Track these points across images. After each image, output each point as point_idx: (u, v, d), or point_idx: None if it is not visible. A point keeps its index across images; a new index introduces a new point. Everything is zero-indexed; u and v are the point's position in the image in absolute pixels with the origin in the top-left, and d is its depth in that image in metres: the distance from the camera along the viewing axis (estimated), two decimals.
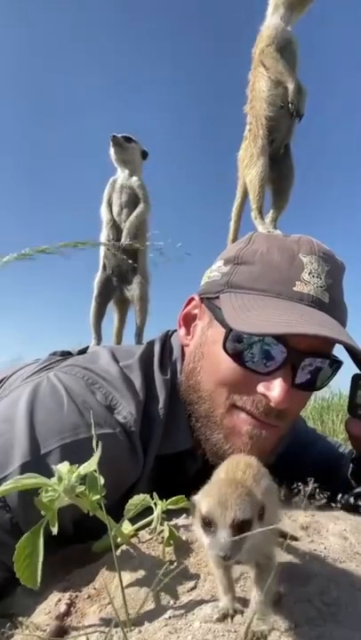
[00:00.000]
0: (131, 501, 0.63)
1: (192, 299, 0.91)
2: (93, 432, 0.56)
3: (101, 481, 0.54)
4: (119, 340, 3.20)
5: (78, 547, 0.69)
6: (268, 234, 1.01)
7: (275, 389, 0.73)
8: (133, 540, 0.63)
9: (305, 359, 0.76)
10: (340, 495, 0.80)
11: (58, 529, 0.50)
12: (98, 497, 0.53)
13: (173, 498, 0.64)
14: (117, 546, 0.61)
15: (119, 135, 3.11)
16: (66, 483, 0.52)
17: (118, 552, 0.61)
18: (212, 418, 0.79)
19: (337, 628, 0.47)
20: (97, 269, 3.10)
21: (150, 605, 0.53)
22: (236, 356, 0.76)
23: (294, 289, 0.75)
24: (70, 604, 0.56)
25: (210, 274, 0.88)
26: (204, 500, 0.44)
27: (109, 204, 3.11)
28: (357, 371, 0.84)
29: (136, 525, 0.64)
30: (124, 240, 2.97)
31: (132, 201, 3.08)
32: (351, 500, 0.80)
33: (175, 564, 0.59)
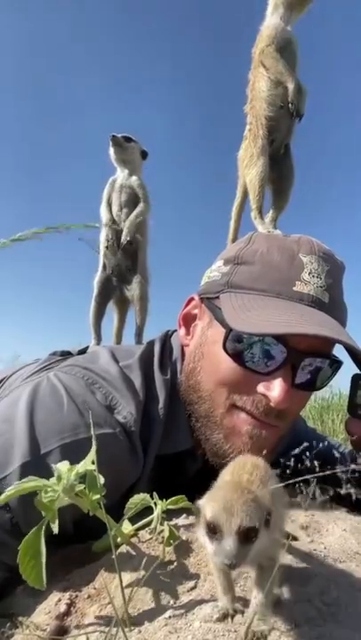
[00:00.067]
0: (131, 501, 0.63)
1: (192, 299, 0.91)
2: (92, 432, 0.56)
3: (101, 480, 0.54)
4: (119, 339, 3.20)
5: (78, 547, 0.69)
6: (268, 234, 1.01)
7: (275, 389, 0.73)
8: (133, 540, 0.63)
9: (305, 359, 0.76)
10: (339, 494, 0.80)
11: (58, 529, 0.50)
12: (98, 496, 0.53)
13: (173, 498, 0.64)
14: (117, 546, 0.61)
15: (119, 135, 3.11)
16: (65, 482, 0.52)
17: (118, 552, 0.61)
18: (212, 418, 0.79)
19: (337, 627, 0.47)
20: (97, 269, 3.10)
21: (150, 605, 0.53)
22: (236, 356, 0.76)
23: (294, 289, 0.75)
24: (70, 604, 0.56)
25: (210, 274, 0.88)
26: (208, 505, 0.43)
27: (109, 204, 3.10)
28: (357, 371, 0.84)
29: (136, 525, 0.64)
30: (124, 239, 2.97)
31: (132, 200, 3.08)
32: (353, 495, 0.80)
33: (175, 563, 0.59)
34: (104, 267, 3.10)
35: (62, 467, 0.54)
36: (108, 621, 0.51)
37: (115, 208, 3.11)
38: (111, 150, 3.17)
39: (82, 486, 0.53)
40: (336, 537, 0.70)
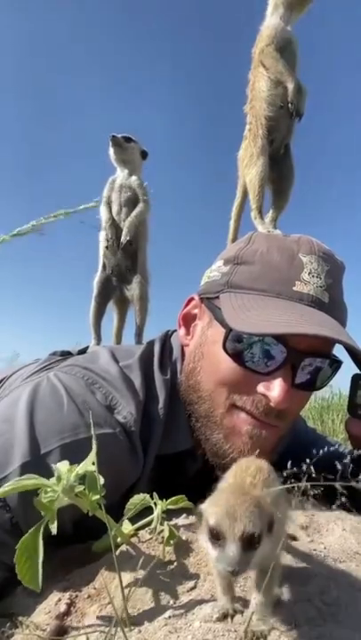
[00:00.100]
0: (131, 501, 0.63)
1: (192, 299, 0.91)
2: (92, 432, 0.56)
3: (101, 480, 0.54)
4: (119, 339, 3.20)
5: (78, 547, 0.69)
6: (268, 234, 1.01)
7: (275, 389, 0.73)
8: (133, 540, 0.63)
9: (305, 359, 0.76)
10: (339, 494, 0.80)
11: (57, 529, 0.50)
12: (97, 497, 0.53)
13: (173, 498, 0.64)
14: (117, 546, 0.61)
15: (119, 135, 3.11)
16: (65, 482, 0.52)
17: (118, 552, 0.61)
18: (212, 418, 0.79)
19: (337, 627, 0.47)
20: (96, 269, 3.10)
21: (150, 605, 0.53)
22: (236, 356, 0.76)
23: (294, 289, 0.75)
24: (70, 604, 0.56)
25: (210, 274, 0.88)
26: (211, 510, 0.43)
27: (109, 204, 3.10)
28: (357, 371, 0.84)
29: (136, 525, 0.64)
30: (124, 239, 2.97)
31: (132, 200, 3.08)
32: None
33: (175, 563, 0.59)
34: (104, 267, 3.10)
35: (62, 467, 0.54)
36: (108, 621, 0.51)
37: (114, 208, 3.11)
38: (111, 150, 3.17)
39: (82, 487, 0.53)
40: (336, 537, 0.70)
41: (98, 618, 0.53)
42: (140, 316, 3.05)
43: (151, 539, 0.63)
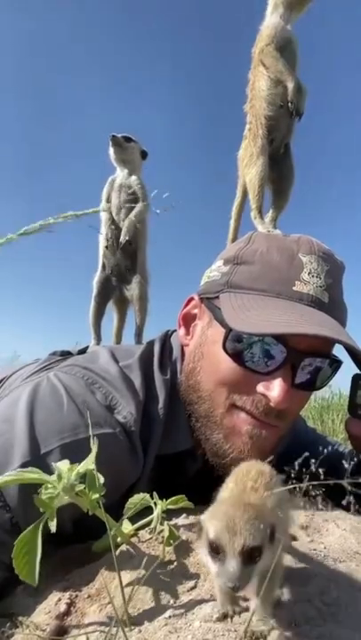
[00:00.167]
0: (130, 500, 0.63)
1: (192, 298, 0.91)
2: (94, 432, 0.56)
3: (101, 480, 0.54)
4: (119, 339, 3.20)
5: (78, 546, 0.69)
6: (268, 233, 1.01)
7: (274, 389, 0.73)
8: (133, 540, 0.63)
9: (305, 359, 0.76)
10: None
11: (57, 528, 0.50)
12: (97, 496, 0.53)
13: (173, 497, 0.64)
14: (117, 545, 0.61)
15: (119, 135, 3.11)
16: (65, 481, 0.52)
17: (118, 552, 0.61)
18: (212, 418, 0.79)
19: (337, 627, 0.47)
20: (96, 269, 3.10)
21: (150, 605, 0.53)
22: (236, 356, 0.76)
23: (294, 289, 0.75)
24: (70, 604, 0.56)
25: (209, 274, 0.88)
26: (211, 523, 0.42)
27: (108, 203, 3.10)
28: (357, 371, 0.84)
29: (136, 525, 0.64)
30: (123, 239, 2.97)
31: (131, 200, 3.08)
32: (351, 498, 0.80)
33: (175, 563, 0.59)
34: (103, 266, 3.10)
35: (62, 466, 0.54)
36: (109, 621, 0.51)
37: (114, 208, 3.10)
38: (111, 150, 3.17)
39: (82, 486, 0.53)
40: (336, 537, 0.70)
41: (98, 618, 0.53)
42: (139, 315, 3.05)
43: (151, 539, 0.63)
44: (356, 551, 0.66)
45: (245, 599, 0.50)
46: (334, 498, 0.81)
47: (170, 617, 0.50)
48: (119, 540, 0.61)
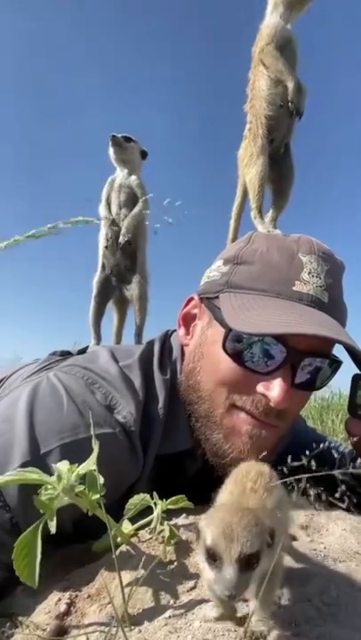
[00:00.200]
0: (131, 501, 0.63)
1: (191, 298, 0.91)
2: (92, 432, 0.56)
3: (101, 480, 0.54)
4: (119, 339, 3.20)
5: (78, 546, 0.69)
6: (268, 233, 1.01)
7: (274, 389, 0.73)
8: (133, 540, 0.63)
9: (305, 359, 0.76)
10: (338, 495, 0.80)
11: (57, 528, 0.50)
12: (97, 496, 0.53)
13: (173, 497, 0.64)
14: (117, 545, 0.61)
15: (119, 135, 3.11)
16: (65, 482, 0.52)
17: (118, 552, 0.61)
18: (212, 418, 0.79)
19: (337, 627, 0.47)
20: (96, 269, 3.10)
21: (150, 605, 0.53)
22: (236, 356, 0.76)
23: (294, 289, 0.75)
24: (70, 604, 0.56)
25: (209, 274, 0.88)
26: (208, 529, 0.41)
27: (108, 203, 3.10)
28: (357, 371, 0.84)
29: (136, 525, 0.64)
30: (123, 239, 2.97)
31: (131, 200, 3.08)
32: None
33: (175, 563, 0.59)
34: (103, 266, 3.10)
35: (62, 466, 0.54)
36: (109, 621, 0.51)
37: (114, 208, 3.11)
38: (111, 150, 3.17)
39: (82, 487, 0.53)
40: (336, 537, 0.70)
41: (98, 618, 0.53)
42: (139, 315, 3.05)
43: (151, 539, 0.63)
44: (356, 551, 0.66)
45: (245, 600, 0.50)
46: (334, 499, 0.81)
47: (170, 617, 0.50)
48: (119, 540, 0.61)
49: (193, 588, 0.55)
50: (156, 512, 0.62)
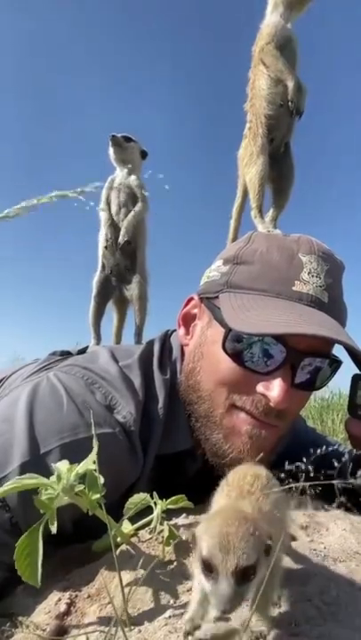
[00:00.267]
0: (130, 500, 0.63)
1: (191, 298, 0.91)
2: (94, 431, 0.56)
3: (101, 480, 0.54)
4: (118, 339, 3.20)
5: (78, 546, 0.69)
6: (268, 233, 1.01)
7: (274, 389, 0.73)
8: (133, 540, 0.63)
9: (304, 359, 0.76)
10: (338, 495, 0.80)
11: (57, 528, 0.50)
12: (98, 496, 0.53)
13: (173, 497, 0.64)
14: (117, 545, 0.61)
15: (118, 135, 3.11)
16: (65, 482, 0.52)
17: (118, 552, 0.61)
18: (212, 418, 0.79)
19: (337, 627, 0.47)
20: (96, 269, 3.10)
21: (150, 605, 0.53)
22: (236, 356, 0.75)
23: (293, 288, 0.75)
24: (70, 604, 0.56)
25: (209, 273, 0.88)
26: (204, 539, 0.40)
27: (108, 203, 3.10)
28: (357, 371, 0.84)
29: (136, 525, 0.64)
30: (122, 239, 2.97)
31: (131, 200, 3.08)
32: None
33: (175, 563, 0.59)
34: (103, 266, 3.10)
35: (62, 466, 0.54)
36: (108, 621, 0.51)
37: (113, 208, 3.10)
38: (111, 150, 3.17)
39: (81, 486, 0.53)
40: (336, 537, 0.70)
41: (98, 618, 0.53)
42: (139, 315, 3.05)
43: (151, 538, 0.63)
44: (356, 551, 0.66)
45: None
46: (333, 497, 0.81)
47: (170, 617, 0.50)
48: (119, 539, 0.61)
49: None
50: (156, 512, 0.62)
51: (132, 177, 3.13)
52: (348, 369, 0.84)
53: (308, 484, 0.52)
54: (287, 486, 0.51)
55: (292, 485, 0.52)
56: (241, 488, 0.48)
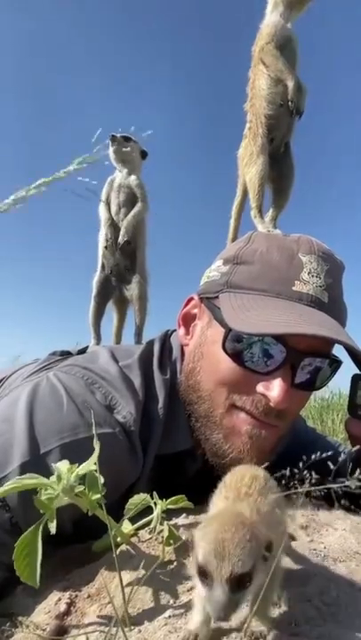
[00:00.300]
0: (131, 501, 0.63)
1: (191, 298, 0.91)
2: (94, 431, 0.56)
3: (101, 480, 0.54)
4: (118, 339, 3.20)
5: (78, 546, 0.69)
6: (268, 233, 1.01)
7: (274, 389, 0.73)
8: (133, 540, 0.63)
9: (304, 359, 0.76)
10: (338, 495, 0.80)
11: (57, 528, 0.50)
12: (98, 496, 0.53)
13: (173, 497, 0.64)
14: (117, 545, 0.61)
15: (118, 135, 3.10)
16: (65, 482, 0.52)
17: (118, 552, 0.61)
18: (212, 418, 0.79)
19: (337, 627, 0.47)
20: (96, 269, 3.10)
21: (150, 605, 0.53)
22: (236, 356, 0.75)
23: (293, 288, 0.75)
24: (70, 604, 0.56)
25: (209, 273, 0.88)
26: (200, 545, 0.40)
27: (107, 203, 3.10)
28: (357, 371, 0.84)
29: (136, 525, 0.64)
30: (122, 238, 2.97)
31: (131, 200, 3.07)
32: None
33: (175, 563, 0.59)
34: (103, 267, 3.09)
35: (62, 466, 0.54)
36: (108, 621, 0.51)
37: (113, 208, 3.10)
38: (110, 150, 3.16)
39: (81, 487, 0.53)
40: (336, 537, 0.70)
41: (98, 617, 0.53)
42: (139, 315, 3.05)
43: (151, 538, 0.63)
44: (356, 551, 0.66)
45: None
46: (333, 497, 0.81)
47: (170, 617, 0.50)
48: (119, 539, 0.61)
49: (193, 588, 0.55)
50: (156, 512, 0.62)
51: (132, 177, 3.12)
52: (348, 369, 0.84)
53: (306, 489, 0.52)
54: (287, 493, 0.51)
55: (293, 492, 0.52)
56: (239, 490, 0.47)
